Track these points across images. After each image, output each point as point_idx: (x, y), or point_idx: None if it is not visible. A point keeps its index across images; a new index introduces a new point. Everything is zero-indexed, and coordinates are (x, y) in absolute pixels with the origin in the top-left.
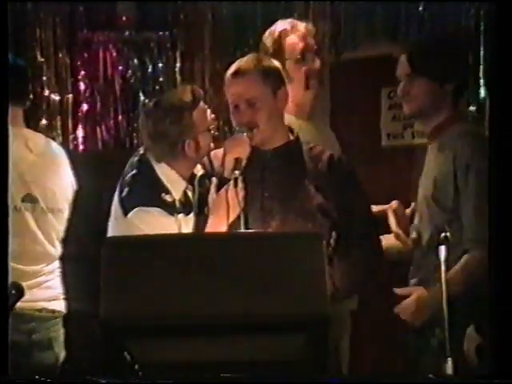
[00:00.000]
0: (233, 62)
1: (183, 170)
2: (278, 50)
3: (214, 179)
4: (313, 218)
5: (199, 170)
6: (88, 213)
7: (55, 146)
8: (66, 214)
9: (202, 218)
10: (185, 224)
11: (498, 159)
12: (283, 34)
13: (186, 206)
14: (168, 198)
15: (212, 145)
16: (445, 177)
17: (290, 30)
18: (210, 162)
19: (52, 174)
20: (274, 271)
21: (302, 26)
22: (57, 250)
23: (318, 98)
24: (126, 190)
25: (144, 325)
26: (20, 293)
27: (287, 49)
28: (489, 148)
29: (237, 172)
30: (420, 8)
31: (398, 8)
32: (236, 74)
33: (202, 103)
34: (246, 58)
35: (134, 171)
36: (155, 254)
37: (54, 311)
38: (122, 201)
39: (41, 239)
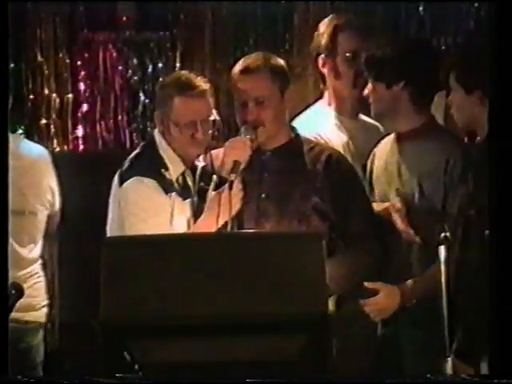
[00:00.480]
0: (233, 62)
1: (179, 149)
2: (332, 44)
3: (215, 177)
4: (308, 220)
5: (201, 162)
6: (87, 213)
7: (34, 149)
8: (40, 215)
9: (198, 211)
10: (178, 207)
11: (498, 160)
12: (339, 29)
13: (183, 191)
14: (167, 174)
15: (209, 137)
16: (434, 183)
17: (346, 26)
18: (211, 160)
19: (22, 176)
20: (274, 271)
21: (357, 22)
22: (31, 252)
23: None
24: (126, 165)
25: (144, 325)
26: (20, 293)
27: (340, 44)
28: (488, 148)
29: (233, 175)
30: (420, 8)
31: (398, 8)
32: (245, 71)
33: (187, 96)
34: (253, 56)
35: (137, 150)
36: (155, 253)
37: (26, 322)
38: (120, 174)
39: (11, 244)
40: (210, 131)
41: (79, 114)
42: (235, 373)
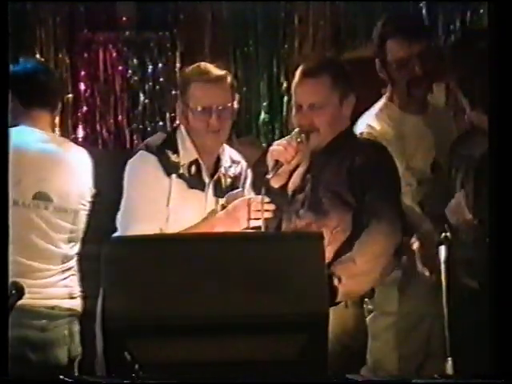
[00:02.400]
0: (233, 63)
1: (197, 139)
2: (380, 50)
3: (249, 179)
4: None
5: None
6: (89, 212)
7: (76, 149)
8: (81, 214)
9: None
10: (178, 192)
11: (498, 158)
12: (388, 35)
13: (192, 179)
14: (173, 156)
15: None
16: None
17: (396, 32)
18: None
19: (67, 175)
20: (274, 271)
21: (409, 28)
22: (72, 249)
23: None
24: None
25: (144, 325)
26: (20, 293)
27: (389, 51)
28: (488, 145)
29: (270, 174)
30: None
31: (398, 8)
32: (305, 73)
33: (204, 81)
34: (318, 57)
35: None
36: (156, 253)
37: (69, 309)
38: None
39: (52, 238)
40: (229, 121)
41: (79, 114)
42: (235, 373)
